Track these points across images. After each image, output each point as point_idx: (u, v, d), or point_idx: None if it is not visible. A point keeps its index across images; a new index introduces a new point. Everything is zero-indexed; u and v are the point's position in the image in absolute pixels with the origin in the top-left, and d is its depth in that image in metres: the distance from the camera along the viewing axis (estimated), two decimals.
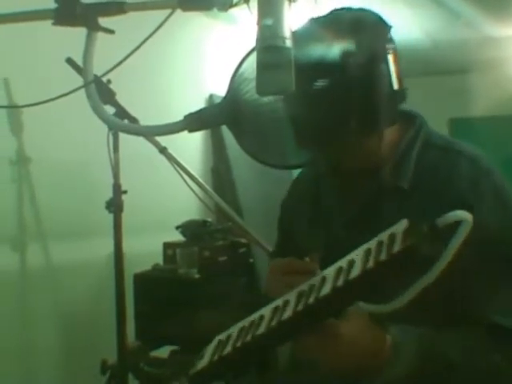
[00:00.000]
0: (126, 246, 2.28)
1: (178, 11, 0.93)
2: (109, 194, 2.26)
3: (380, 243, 0.84)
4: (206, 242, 2.93)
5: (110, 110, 2.17)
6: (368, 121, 1.03)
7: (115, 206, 2.24)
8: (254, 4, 0.85)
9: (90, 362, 2.45)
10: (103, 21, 0.97)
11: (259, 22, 0.81)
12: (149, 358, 2.67)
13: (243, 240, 3.03)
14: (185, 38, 3.48)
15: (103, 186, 2.32)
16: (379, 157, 1.11)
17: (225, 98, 1.00)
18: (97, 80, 1.00)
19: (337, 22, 1.06)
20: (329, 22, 1.07)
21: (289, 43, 0.80)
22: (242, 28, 3.98)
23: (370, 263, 0.81)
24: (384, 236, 0.84)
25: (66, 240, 2.67)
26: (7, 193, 2.50)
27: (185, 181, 2.20)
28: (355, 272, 0.83)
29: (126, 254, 2.28)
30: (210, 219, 3.07)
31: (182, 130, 0.97)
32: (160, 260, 2.95)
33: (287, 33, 0.80)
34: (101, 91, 1.27)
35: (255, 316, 0.94)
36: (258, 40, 0.81)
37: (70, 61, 2.14)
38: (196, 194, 2.24)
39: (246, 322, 0.94)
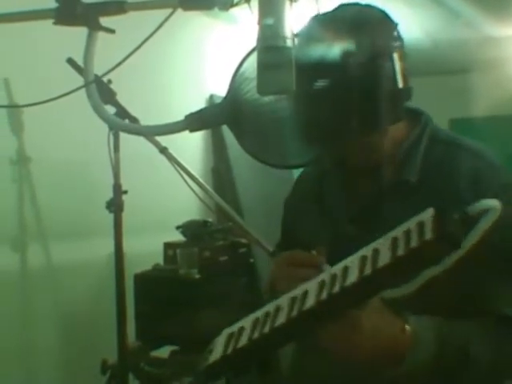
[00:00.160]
0: (127, 246, 2.28)
1: (179, 11, 0.92)
2: (109, 193, 2.26)
3: (407, 232, 0.82)
4: (206, 242, 2.93)
5: (110, 109, 2.16)
6: (371, 118, 1.03)
7: (115, 205, 2.24)
8: (254, 4, 0.85)
9: (91, 361, 2.45)
10: (104, 20, 0.96)
11: (260, 22, 0.81)
12: (149, 357, 2.67)
13: (243, 240, 3.03)
14: (185, 38, 3.48)
15: (104, 186, 2.32)
16: (386, 153, 1.11)
17: (225, 97, 1.00)
18: (97, 80, 1.00)
19: (342, 19, 1.06)
20: (335, 19, 1.07)
21: (290, 43, 0.80)
22: (243, 28, 3.98)
23: (400, 250, 0.80)
24: (411, 224, 0.83)
25: (66, 240, 2.67)
26: (7, 193, 2.50)
27: (185, 181, 2.19)
28: (384, 259, 0.81)
29: (126, 254, 2.28)
30: (210, 219, 3.06)
31: (182, 129, 0.97)
32: (160, 260, 2.95)
33: (288, 32, 0.80)
34: (101, 91, 1.28)
35: (269, 308, 0.91)
36: (258, 40, 0.81)
37: (70, 61, 2.14)
38: (196, 194, 2.24)
39: (259, 314, 0.91)
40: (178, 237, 2.99)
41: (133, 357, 2.43)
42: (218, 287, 2.80)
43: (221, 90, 3.72)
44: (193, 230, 2.96)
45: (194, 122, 0.97)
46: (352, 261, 0.88)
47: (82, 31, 0.96)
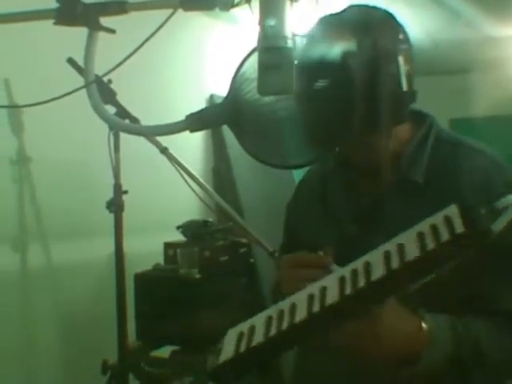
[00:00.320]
0: (127, 245, 2.28)
1: (179, 11, 0.92)
2: (109, 193, 2.26)
3: (433, 226, 0.83)
4: (206, 242, 2.93)
5: (110, 109, 2.17)
6: (375, 119, 1.04)
7: (116, 205, 2.24)
8: (255, 4, 0.85)
9: (91, 361, 2.45)
10: (104, 20, 0.96)
11: (261, 22, 0.81)
12: (149, 357, 2.67)
13: (244, 240, 3.03)
14: (186, 38, 3.48)
15: (104, 186, 2.32)
16: (390, 153, 1.12)
17: (226, 98, 1.00)
18: (98, 80, 1.00)
19: (352, 21, 1.07)
20: (344, 21, 1.08)
21: (290, 43, 0.80)
22: (243, 28, 3.98)
23: (430, 244, 0.80)
24: (436, 220, 0.83)
25: (66, 240, 2.67)
26: (8, 193, 2.50)
27: (185, 181, 2.19)
28: (413, 253, 0.81)
29: (126, 254, 2.29)
30: (210, 219, 3.06)
31: (183, 129, 0.97)
32: (161, 260, 2.95)
33: (289, 33, 0.80)
34: (102, 91, 1.27)
35: (282, 306, 0.89)
36: (259, 40, 0.81)
37: (70, 61, 2.14)
38: (197, 194, 2.24)
39: (271, 312, 0.90)
40: (178, 237, 2.99)
41: (133, 357, 2.43)
42: (218, 287, 2.79)
43: (221, 90, 3.73)
44: (193, 230, 2.96)
45: (194, 122, 0.97)
46: (373, 256, 0.87)
47: (83, 31, 0.96)
